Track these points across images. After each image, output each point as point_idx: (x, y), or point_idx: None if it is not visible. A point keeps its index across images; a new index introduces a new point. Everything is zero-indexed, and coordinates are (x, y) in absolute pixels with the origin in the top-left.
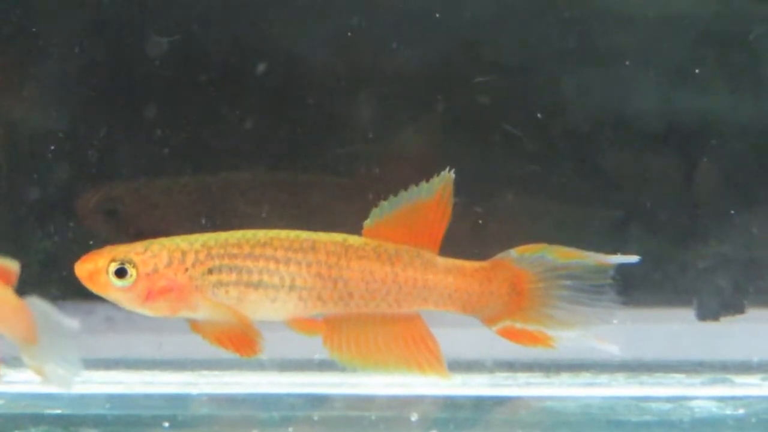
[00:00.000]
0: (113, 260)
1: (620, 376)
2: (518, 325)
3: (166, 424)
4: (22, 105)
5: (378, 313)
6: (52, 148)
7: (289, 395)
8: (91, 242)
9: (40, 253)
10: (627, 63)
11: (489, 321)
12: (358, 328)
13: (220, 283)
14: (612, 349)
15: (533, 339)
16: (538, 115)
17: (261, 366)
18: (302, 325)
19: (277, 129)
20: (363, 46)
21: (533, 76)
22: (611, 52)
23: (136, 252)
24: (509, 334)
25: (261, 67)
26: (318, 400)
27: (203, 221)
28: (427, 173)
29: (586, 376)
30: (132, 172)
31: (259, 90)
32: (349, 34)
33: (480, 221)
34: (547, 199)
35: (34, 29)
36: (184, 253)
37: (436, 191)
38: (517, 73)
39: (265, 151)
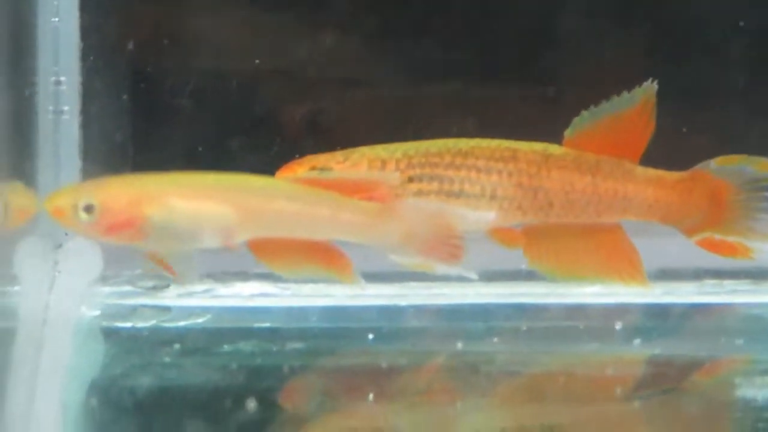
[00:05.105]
0: (312, 168)
1: None
2: (717, 236)
3: (371, 336)
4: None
5: (578, 223)
6: (257, 62)
7: (496, 305)
8: (297, 155)
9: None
10: None
11: (688, 232)
12: (557, 239)
13: (420, 192)
14: None
15: (732, 250)
16: (741, 24)
17: (467, 277)
18: (502, 235)
19: (481, 42)
20: None
21: None
22: None
23: (336, 161)
24: (709, 245)
25: None
26: (524, 310)
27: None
28: (629, 84)
29: None
30: (334, 84)
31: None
32: None
33: (684, 130)
34: (750, 111)
35: None
36: (384, 162)
37: (639, 102)
38: None
39: (468, 63)
